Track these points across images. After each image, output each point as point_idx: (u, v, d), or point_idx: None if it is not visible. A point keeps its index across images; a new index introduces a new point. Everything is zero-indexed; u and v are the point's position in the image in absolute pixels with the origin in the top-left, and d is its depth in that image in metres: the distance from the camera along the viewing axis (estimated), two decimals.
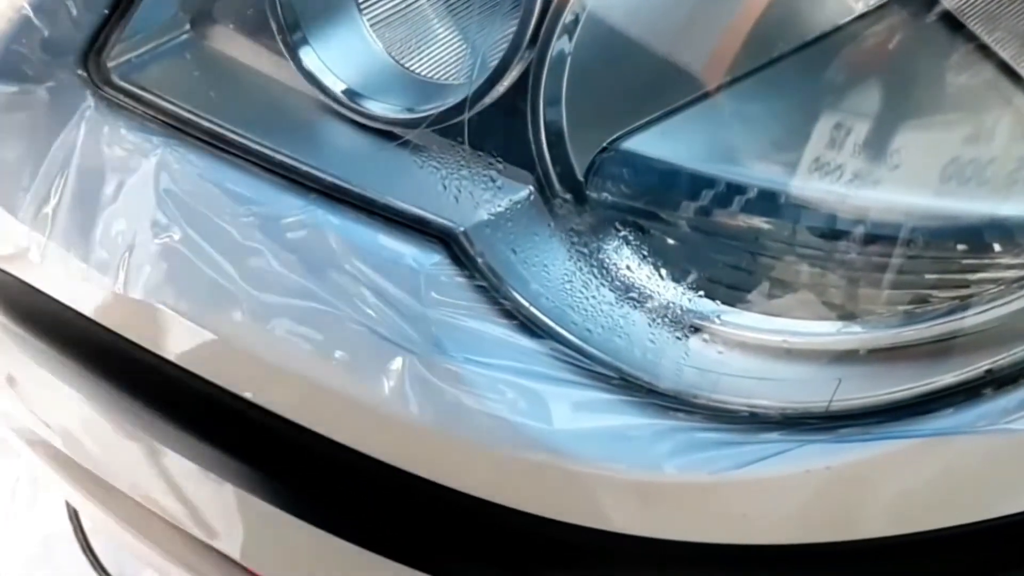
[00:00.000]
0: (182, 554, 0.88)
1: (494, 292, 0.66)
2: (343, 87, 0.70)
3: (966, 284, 0.63)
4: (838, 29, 0.64)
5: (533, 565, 0.67)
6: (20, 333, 0.81)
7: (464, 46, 0.72)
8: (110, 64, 0.75)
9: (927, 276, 0.64)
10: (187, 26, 0.76)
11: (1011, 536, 0.63)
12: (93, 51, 0.75)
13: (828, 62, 0.65)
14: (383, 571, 0.69)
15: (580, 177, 0.67)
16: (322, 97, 0.70)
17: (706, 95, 0.66)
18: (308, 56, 0.70)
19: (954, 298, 0.63)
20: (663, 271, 0.67)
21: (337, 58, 0.71)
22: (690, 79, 0.66)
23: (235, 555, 0.81)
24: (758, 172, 0.66)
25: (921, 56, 0.64)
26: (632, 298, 0.67)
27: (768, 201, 0.66)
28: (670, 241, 0.67)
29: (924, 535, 0.63)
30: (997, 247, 0.63)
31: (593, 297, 0.67)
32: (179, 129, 0.73)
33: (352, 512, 0.70)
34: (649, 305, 0.66)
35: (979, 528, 0.62)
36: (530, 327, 0.66)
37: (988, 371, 0.60)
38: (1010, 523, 0.62)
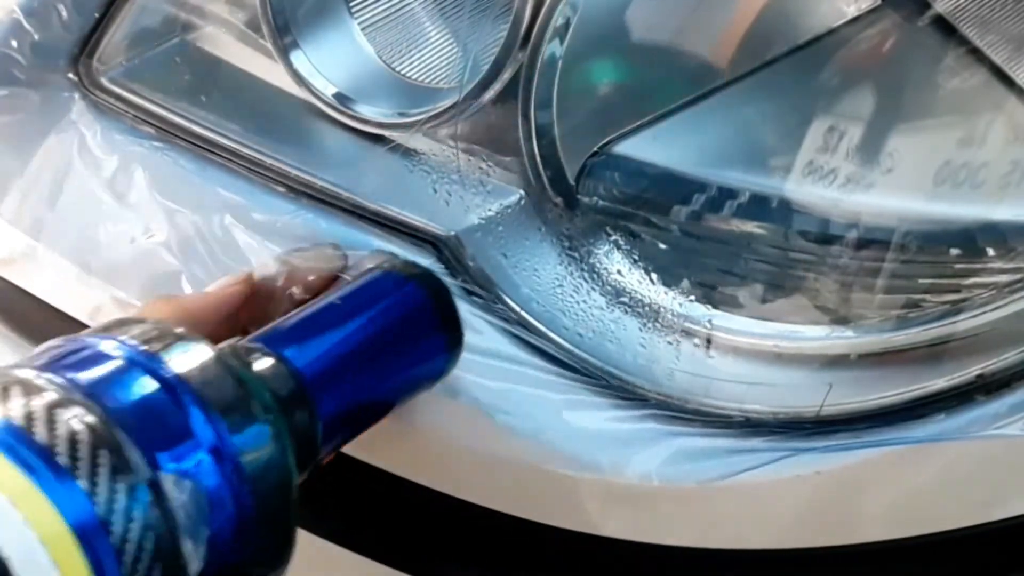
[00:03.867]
0: None
1: (485, 296, 0.66)
2: (334, 91, 0.70)
3: (958, 289, 0.63)
4: (831, 33, 0.64)
5: (520, 569, 0.67)
6: (13, 339, 0.80)
7: (455, 50, 0.72)
8: (101, 67, 0.75)
9: (920, 280, 0.64)
10: (178, 29, 0.76)
11: (1006, 540, 0.63)
12: (84, 54, 0.75)
13: (821, 66, 0.65)
14: (369, 572, 0.69)
15: (571, 181, 0.67)
16: (313, 101, 0.70)
17: (698, 99, 0.66)
18: (299, 60, 0.70)
19: (946, 303, 0.63)
20: (654, 275, 0.67)
21: (328, 61, 0.70)
22: (682, 83, 0.66)
23: None
24: (750, 176, 0.66)
25: (914, 60, 0.64)
26: (623, 302, 0.66)
27: (760, 205, 0.66)
28: (661, 245, 0.67)
29: (918, 540, 0.62)
30: (990, 251, 0.63)
31: (584, 301, 0.67)
32: (170, 132, 0.73)
33: (339, 513, 0.70)
34: (640, 309, 0.66)
35: (974, 532, 0.62)
36: (520, 331, 0.65)
37: (980, 376, 0.60)
38: (1005, 527, 0.62)
